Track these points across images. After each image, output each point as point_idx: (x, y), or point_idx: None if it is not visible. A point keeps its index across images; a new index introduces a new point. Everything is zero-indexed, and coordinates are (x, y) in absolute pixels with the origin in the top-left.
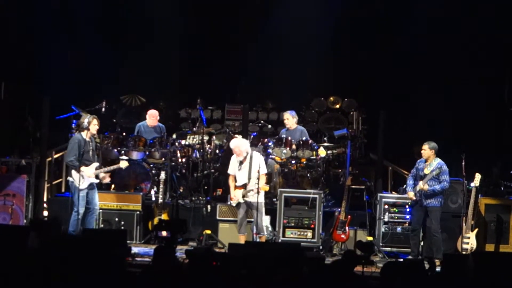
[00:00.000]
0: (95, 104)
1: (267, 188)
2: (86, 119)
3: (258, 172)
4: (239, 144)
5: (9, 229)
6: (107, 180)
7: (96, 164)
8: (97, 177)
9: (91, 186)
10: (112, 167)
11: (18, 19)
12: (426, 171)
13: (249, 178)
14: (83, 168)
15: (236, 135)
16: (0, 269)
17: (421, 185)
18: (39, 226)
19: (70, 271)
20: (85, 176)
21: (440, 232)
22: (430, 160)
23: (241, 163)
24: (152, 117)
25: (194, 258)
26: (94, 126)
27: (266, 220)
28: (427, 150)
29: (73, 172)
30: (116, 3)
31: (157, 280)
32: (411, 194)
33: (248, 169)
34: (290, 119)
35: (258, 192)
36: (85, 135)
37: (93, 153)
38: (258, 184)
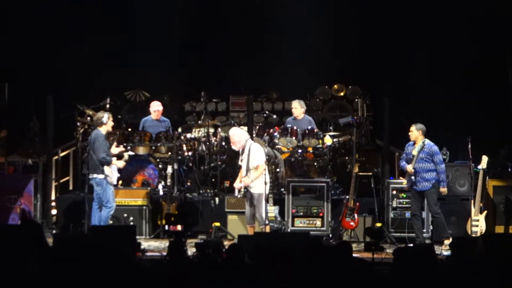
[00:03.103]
0: (99, 101)
1: (247, 181)
2: (105, 114)
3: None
4: (232, 133)
5: (13, 230)
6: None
7: (115, 158)
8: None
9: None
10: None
11: (19, 18)
12: (414, 152)
13: (247, 170)
14: (114, 162)
15: (242, 127)
16: (13, 268)
17: (409, 168)
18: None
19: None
20: (115, 170)
21: (440, 213)
22: (418, 142)
23: (242, 154)
24: (155, 106)
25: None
26: (110, 123)
27: (274, 210)
28: (414, 131)
29: (106, 168)
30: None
31: (170, 274)
32: (409, 168)
33: (247, 161)
34: (298, 108)
35: (265, 183)
36: (103, 131)
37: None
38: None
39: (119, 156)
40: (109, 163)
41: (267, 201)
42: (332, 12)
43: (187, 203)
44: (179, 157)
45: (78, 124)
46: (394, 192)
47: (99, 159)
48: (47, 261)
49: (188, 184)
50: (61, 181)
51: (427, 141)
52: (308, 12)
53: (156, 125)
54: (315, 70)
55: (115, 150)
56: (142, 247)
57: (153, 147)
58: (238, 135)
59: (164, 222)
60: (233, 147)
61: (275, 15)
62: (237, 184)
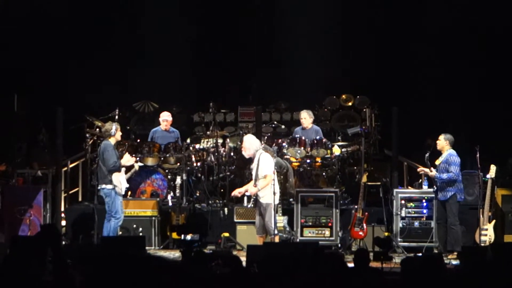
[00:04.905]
0: (108, 112)
1: (253, 191)
2: (113, 125)
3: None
4: (245, 139)
5: (29, 240)
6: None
7: (124, 169)
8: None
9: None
10: (130, 172)
11: (28, 30)
12: (437, 161)
13: (255, 180)
14: (119, 174)
15: None
16: (23, 279)
17: (431, 174)
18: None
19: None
20: (124, 181)
21: (457, 225)
22: (444, 152)
23: (253, 163)
24: (164, 116)
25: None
26: (119, 133)
27: (283, 221)
28: (441, 140)
29: (114, 178)
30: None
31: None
32: (431, 174)
33: (256, 170)
34: (307, 118)
35: (274, 193)
36: (112, 141)
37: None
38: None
39: (129, 168)
40: (118, 168)
41: (276, 211)
42: (341, 23)
43: (196, 214)
44: (188, 168)
45: (87, 135)
46: (403, 201)
47: (109, 168)
48: (62, 270)
49: (197, 194)
50: (70, 192)
51: (451, 151)
52: (317, 22)
53: (166, 136)
54: (323, 80)
55: (126, 161)
56: None
57: (162, 158)
58: (250, 143)
59: (175, 234)
60: (243, 153)
61: (284, 26)
62: (235, 192)
